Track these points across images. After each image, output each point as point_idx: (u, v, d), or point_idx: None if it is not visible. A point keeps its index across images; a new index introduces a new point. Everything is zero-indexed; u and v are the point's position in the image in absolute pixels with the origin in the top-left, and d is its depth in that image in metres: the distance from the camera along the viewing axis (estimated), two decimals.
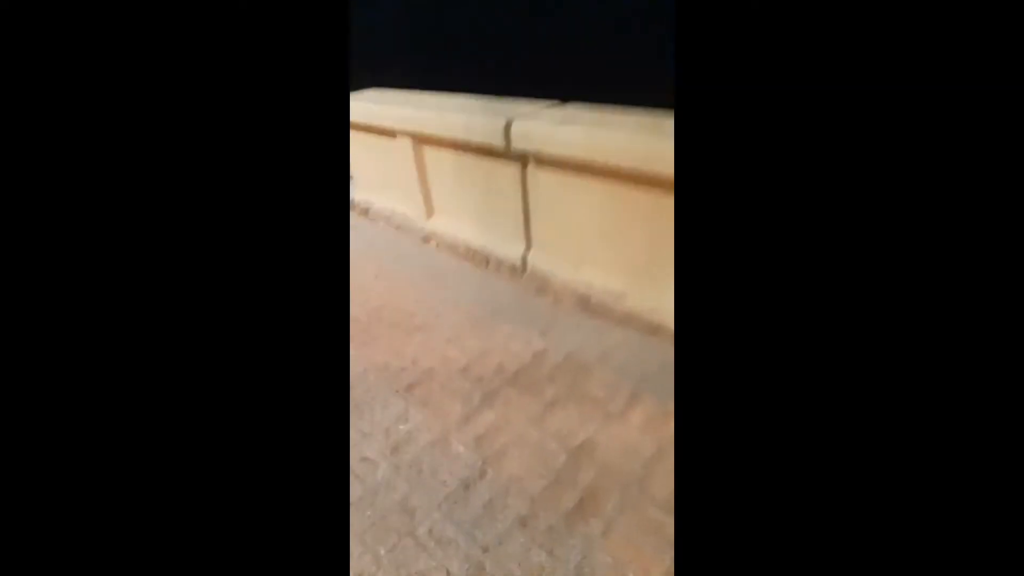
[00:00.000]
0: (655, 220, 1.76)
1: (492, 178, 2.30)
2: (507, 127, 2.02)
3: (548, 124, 1.89)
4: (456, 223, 2.79)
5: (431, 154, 2.59)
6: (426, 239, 2.86)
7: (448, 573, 1.08)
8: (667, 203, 1.68)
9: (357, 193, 3.49)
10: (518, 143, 2.01)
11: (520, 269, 2.44)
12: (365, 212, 3.34)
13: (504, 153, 2.09)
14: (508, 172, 2.18)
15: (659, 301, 1.87)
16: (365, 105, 2.79)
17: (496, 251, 2.58)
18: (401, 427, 1.49)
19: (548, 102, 2.27)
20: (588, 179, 1.88)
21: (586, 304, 2.10)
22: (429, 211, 2.91)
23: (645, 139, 1.64)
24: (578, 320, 2.02)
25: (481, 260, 2.58)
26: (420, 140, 2.56)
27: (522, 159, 2.09)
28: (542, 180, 2.08)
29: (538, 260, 2.37)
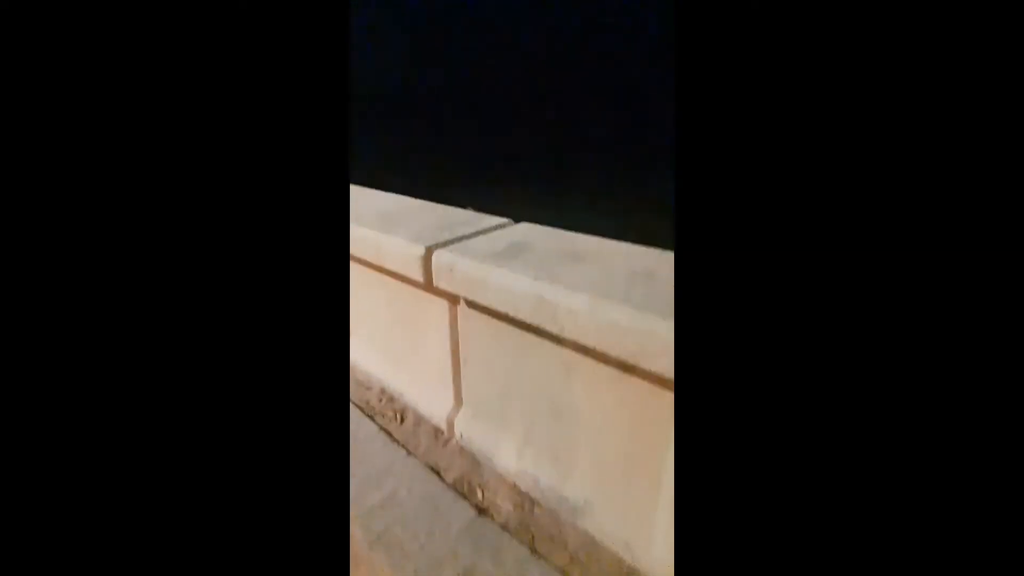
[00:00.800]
0: (637, 408, 1.15)
1: (414, 309, 1.70)
2: (426, 258, 1.46)
3: (481, 261, 1.33)
4: (373, 356, 2.14)
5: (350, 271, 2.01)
6: None
7: None
8: (656, 397, 1.08)
9: None
10: (442, 281, 1.44)
11: (444, 435, 1.77)
12: None
13: (426, 287, 1.50)
14: (434, 308, 1.59)
15: (636, 528, 1.21)
16: None
17: (415, 402, 1.92)
18: None
19: (497, 219, 1.75)
20: (541, 340, 1.28)
21: (527, 518, 1.42)
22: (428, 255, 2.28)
23: (623, 313, 1.04)
24: (516, 558, 1.31)
25: (393, 412, 1.90)
26: None
27: (451, 298, 1.51)
28: (476, 327, 1.50)
29: (468, 428, 1.71)
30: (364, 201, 2.08)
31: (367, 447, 1.68)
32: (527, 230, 1.62)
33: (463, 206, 1.92)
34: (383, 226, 1.69)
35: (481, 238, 1.54)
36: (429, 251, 1.46)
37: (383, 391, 2.00)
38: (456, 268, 1.36)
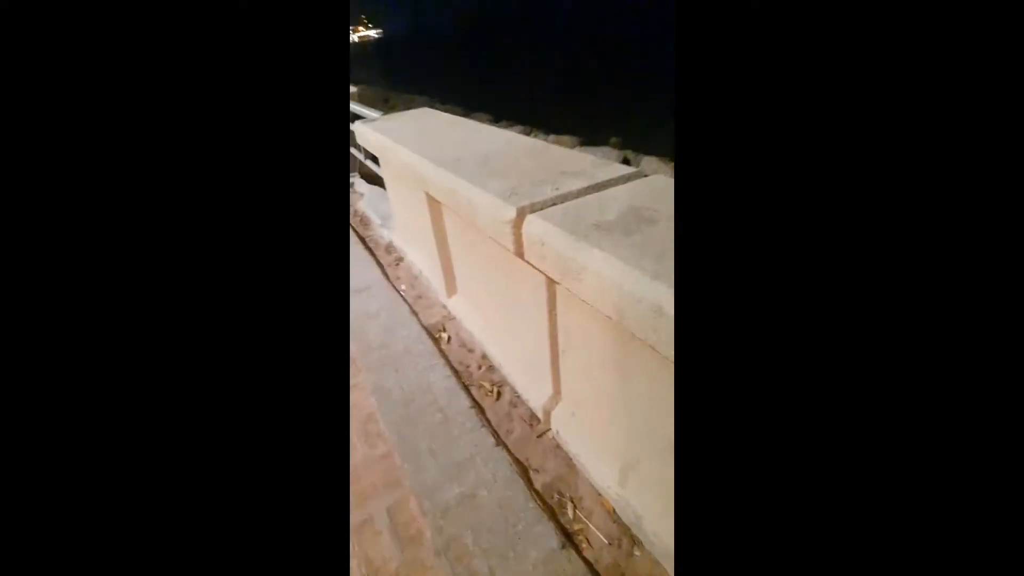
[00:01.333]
0: None
1: (511, 277, 1.41)
2: (516, 224, 1.12)
3: (577, 238, 0.94)
4: (476, 316, 1.94)
5: (449, 216, 1.78)
6: (440, 328, 2.05)
7: None
8: None
9: (392, 236, 2.82)
10: (533, 256, 1.10)
11: (540, 425, 1.52)
12: (398, 262, 2.65)
13: (520, 256, 1.19)
14: (529, 282, 1.28)
15: None
16: (377, 137, 2.05)
17: (513, 379, 1.68)
18: None
19: (621, 168, 1.31)
20: (658, 355, 0.90)
21: (622, 561, 1.12)
22: (451, 287, 2.11)
23: None
24: None
25: (491, 385, 1.70)
26: (432, 200, 1.75)
27: (547, 275, 1.17)
28: (575, 318, 1.15)
29: (566, 427, 1.43)
30: (470, 138, 1.78)
31: (455, 427, 1.51)
32: (659, 186, 1.17)
33: (602, 142, 1.50)
34: (478, 174, 1.38)
35: (592, 197, 1.14)
36: (521, 214, 1.11)
37: (484, 358, 1.81)
38: (548, 243, 1.01)
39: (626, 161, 5.13)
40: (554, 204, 1.13)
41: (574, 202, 1.12)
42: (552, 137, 6.23)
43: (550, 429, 1.49)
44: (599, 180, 1.23)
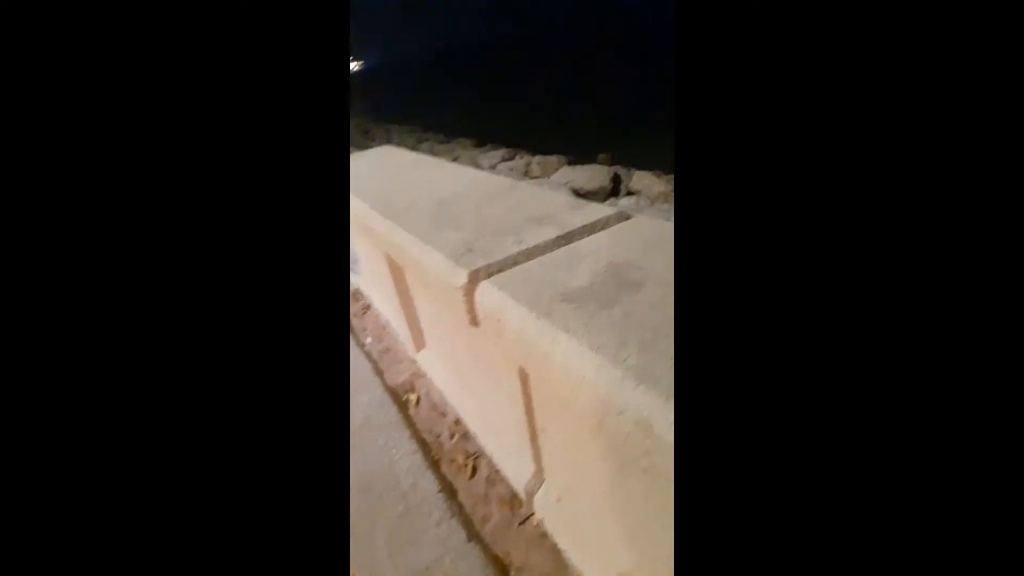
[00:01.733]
0: None
1: (478, 343, 1.20)
2: (468, 290, 0.92)
3: (539, 316, 0.74)
4: (447, 374, 1.73)
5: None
6: (409, 387, 1.83)
7: None
8: None
9: (359, 282, 2.62)
10: (491, 331, 0.90)
11: (522, 509, 1.29)
12: (364, 311, 2.44)
13: (474, 324, 0.98)
14: (496, 351, 1.07)
15: None
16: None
17: (491, 450, 1.46)
18: None
19: (599, 209, 1.13)
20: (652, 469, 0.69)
21: None
22: (418, 341, 1.89)
23: None
24: None
25: (465, 459, 1.48)
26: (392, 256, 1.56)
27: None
28: (549, 403, 0.95)
29: (551, 516, 1.21)
30: (429, 180, 1.59)
31: (419, 518, 1.28)
32: (645, 233, 0.97)
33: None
34: (430, 225, 1.18)
35: (562, 253, 0.95)
36: (473, 280, 0.92)
37: (457, 423, 1.59)
38: (504, 320, 0.81)
39: (616, 178, 4.97)
40: (515, 264, 0.94)
41: (539, 261, 0.93)
42: (538, 158, 6.10)
43: (534, 513, 1.27)
44: (572, 227, 1.03)
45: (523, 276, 0.87)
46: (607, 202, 3.95)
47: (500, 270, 0.93)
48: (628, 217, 1.08)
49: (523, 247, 0.98)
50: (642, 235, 0.97)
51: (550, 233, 1.02)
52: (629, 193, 4.34)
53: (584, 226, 1.03)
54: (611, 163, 5.39)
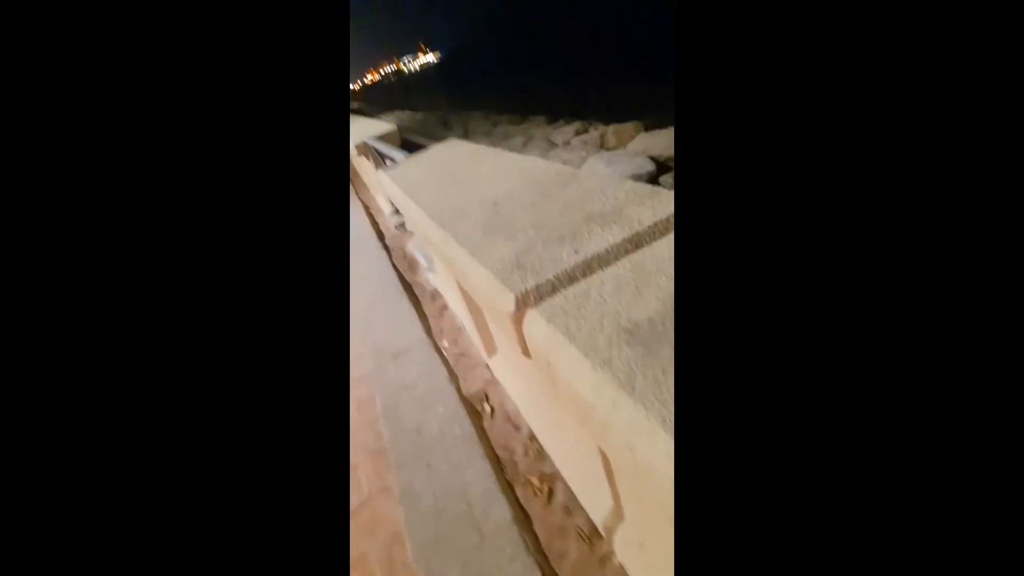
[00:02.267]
0: None
1: (538, 378, 1.05)
2: (517, 319, 0.76)
3: (588, 362, 0.57)
4: (518, 385, 1.60)
5: None
6: (483, 396, 1.73)
7: None
8: None
9: (437, 281, 2.58)
10: (541, 369, 0.74)
11: (602, 545, 1.14)
12: (442, 312, 2.39)
13: (527, 356, 0.83)
14: (556, 395, 0.92)
15: None
16: (393, 188, 1.79)
17: (568, 474, 1.32)
18: None
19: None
20: None
21: None
22: (489, 346, 1.79)
23: None
24: None
25: (539, 480, 1.34)
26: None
27: None
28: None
29: (632, 560, 1.04)
30: (486, 176, 1.45)
31: (492, 552, 1.18)
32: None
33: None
34: (481, 233, 1.04)
35: (627, 264, 0.76)
36: (521, 306, 0.76)
37: (531, 439, 1.47)
38: (555, 363, 0.65)
39: None
40: (571, 281, 0.77)
41: (600, 277, 0.75)
42: (613, 127, 5.71)
43: (615, 553, 1.11)
44: (640, 227, 0.84)
45: (579, 301, 0.70)
46: None
47: (553, 290, 0.77)
48: None
49: (581, 257, 0.80)
50: None
51: (614, 236, 0.83)
52: None
53: (655, 224, 0.83)
54: None
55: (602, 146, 5.10)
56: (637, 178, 3.14)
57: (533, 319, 0.71)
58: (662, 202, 0.90)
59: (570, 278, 0.78)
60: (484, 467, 1.41)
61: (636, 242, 0.81)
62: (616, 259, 0.78)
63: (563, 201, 1.06)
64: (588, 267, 0.79)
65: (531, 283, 0.78)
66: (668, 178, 3.65)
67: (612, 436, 0.52)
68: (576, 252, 0.82)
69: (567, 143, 5.54)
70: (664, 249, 0.75)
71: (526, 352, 0.79)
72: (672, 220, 0.83)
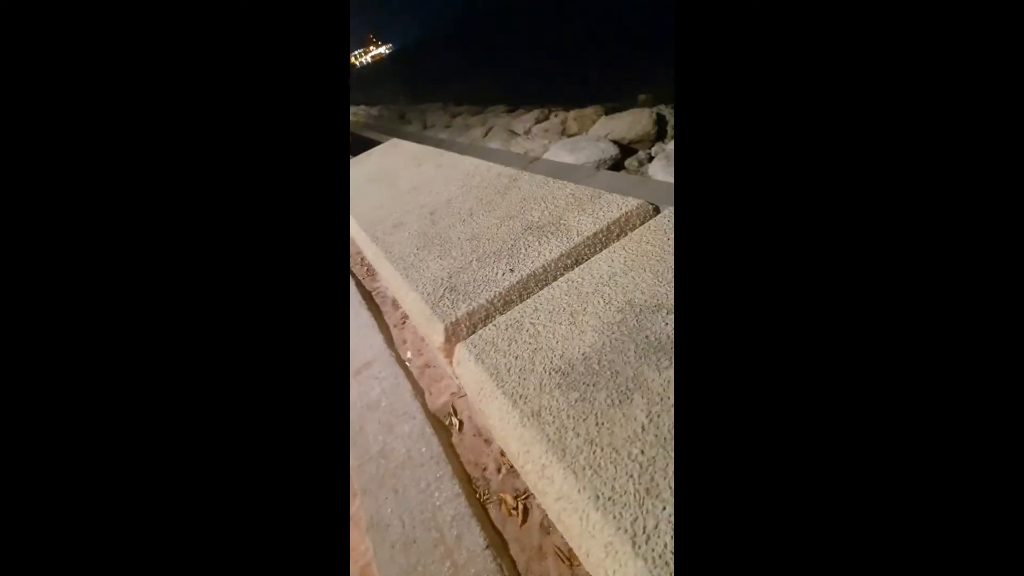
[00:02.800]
0: None
1: None
2: (447, 347, 0.69)
3: (516, 413, 0.50)
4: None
5: None
6: (450, 410, 1.65)
7: None
8: None
9: (397, 291, 2.47)
10: (475, 411, 0.67)
11: (576, 561, 1.09)
12: (404, 320, 2.29)
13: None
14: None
15: None
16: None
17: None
18: None
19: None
20: None
21: None
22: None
23: None
24: None
25: (515, 502, 1.28)
26: None
27: None
28: None
29: None
30: (426, 182, 1.36)
31: None
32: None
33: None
34: (415, 248, 0.96)
35: (564, 285, 0.68)
36: (451, 338, 0.69)
37: (503, 454, 1.41)
38: (486, 410, 0.58)
39: (660, 120, 4.40)
40: (506, 305, 0.69)
41: (534, 303, 0.67)
42: (573, 112, 5.62)
43: None
44: (580, 238, 0.76)
45: (511, 332, 0.63)
46: (654, 148, 3.51)
47: (486, 318, 0.69)
48: (657, 210, 0.78)
49: (516, 277, 0.73)
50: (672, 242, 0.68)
51: (552, 251, 0.76)
52: None
53: (595, 235, 0.76)
54: (652, 104, 4.79)
55: (564, 132, 5.02)
56: (602, 163, 3.09)
57: (463, 357, 0.64)
58: (602, 207, 0.83)
59: (505, 302, 0.70)
60: (454, 489, 1.34)
61: (575, 257, 0.74)
62: (553, 278, 0.71)
63: (502, 210, 0.98)
64: (524, 288, 0.71)
65: (462, 310, 0.70)
66: (632, 161, 3.60)
67: (545, 504, 0.46)
68: (512, 270, 0.75)
69: (528, 131, 5.45)
70: (603, 265, 0.68)
71: (461, 390, 0.72)
72: (611, 229, 0.76)
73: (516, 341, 0.60)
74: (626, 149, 3.91)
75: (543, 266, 0.73)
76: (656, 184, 1.77)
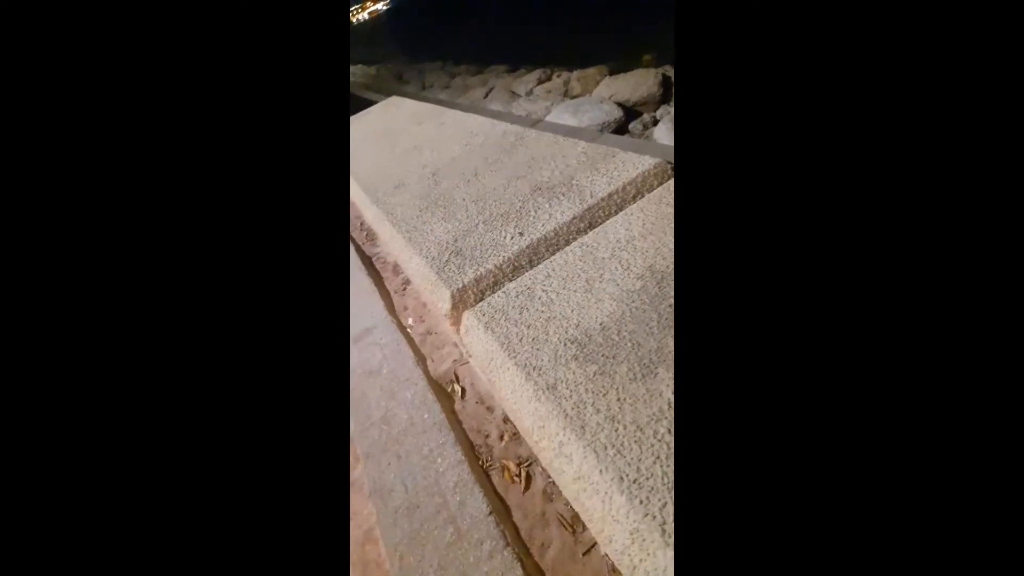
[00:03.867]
0: None
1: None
2: (454, 314, 0.66)
3: (531, 386, 0.47)
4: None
5: None
6: (452, 377, 1.64)
7: None
8: None
9: (398, 255, 2.42)
10: (484, 377, 0.64)
11: (584, 531, 1.09)
12: (405, 286, 2.26)
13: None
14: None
15: None
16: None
17: (547, 456, 1.25)
18: None
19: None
20: None
21: None
22: (456, 321, 1.69)
23: None
24: None
25: (518, 467, 1.28)
26: None
27: None
28: None
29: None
30: (428, 140, 1.29)
31: (471, 547, 1.12)
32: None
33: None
34: (418, 210, 0.91)
35: (579, 248, 0.64)
36: (458, 305, 0.65)
37: (506, 421, 1.40)
38: (496, 381, 0.55)
39: (666, 81, 4.24)
40: (515, 271, 0.65)
41: (546, 268, 0.63)
42: (576, 73, 5.43)
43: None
44: (594, 199, 0.72)
45: (522, 300, 0.59)
46: (659, 111, 3.38)
47: (495, 284, 0.65)
48: (672, 171, 0.73)
49: (526, 241, 0.69)
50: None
51: (564, 213, 0.71)
52: None
53: (610, 195, 0.71)
54: (657, 64, 4.59)
55: (566, 94, 4.84)
56: (605, 126, 3.00)
57: (471, 324, 0.60)
58: (617, 167, 0.77)
59: (514, 267, 0.66)
60: (457, 455, 1.34)
61: (589, 220, 0.69)
62: (566, 242, 0.67)
63: (509, 169, 0.93)
64: (534, 253, 0.67)
65: (469, 276, 0.66)
66: (637, 124, 3.48)
67: (561, 483, 0.43)
68: (521, 234, 0.70)
69: (530, 92, 5.26)
70: (619, 228, 0.64)
71: (468, 355, 0.69)
72: (627, 190, 0.71)
73: (528, 309, 0.56)
74: (629, 111, 3.79)
75: (554, 229, 0.69)
76: (663, 148, 1.70)
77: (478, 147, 1.10)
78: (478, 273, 0.66)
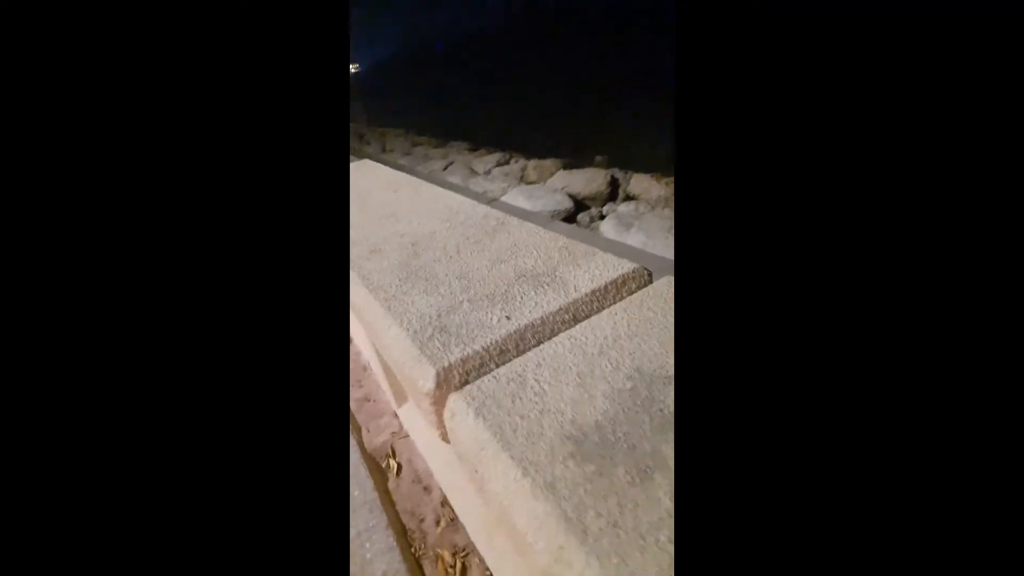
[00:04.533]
0: None
1: (459, 465, 0.93)
2: (437, 401, 0.65)
3: (527, 482, 0.47)
4: (430, 448, 1.46)
5: None
6: (388, 452, 1.55)
7: None
8: None
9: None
10: (468, 468, 0.63)
11: None
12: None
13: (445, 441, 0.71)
14: (483, 502, 0.80)
15: None
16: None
17: (485, 553, 1.19)
18: None
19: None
20: None
21: None
22: (399, 395, 1.62)
23: None
24: None
25: (453, 558, 1.20)
26: None
27: None
28: None
29: None
30: (405, 207, 1.32)
31: None
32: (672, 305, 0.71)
33: None
34: (398, 280, 0.91)
35: (567, 340, 0.67)
36: (442, 386, 0.64)
37: (444, 505, 1.32)
38: (485, 473, 0.53)
39: (614, 182, 4.66)
40: (503, 355, 0.66)
41: (536, 356, 0.65)
42: (533, 161, 5.83)
43: None
44: (578, 294, 0.76)
45: (514, 388, 0.60)
46: (605, 207, 3.71)
47: (482, 366, 0.65)
48: (649, 278, 0.80)
49: (514, 326, 0.71)
50: (670, 310, 0.70)
51: (550, 302, 0.75)
52: (628, 198, 4.07)
53: (593, 292, 0.76)
54: (607, 166, 5.09)
55: (523, 179, 5.16)
56: (556, 214, 3.22)
57: (458, 408, 0.60)
58: (598, 265, 0.83)
59: (500, 351, 0.67)
60: (388, 540, 1.23)
61: (573, 312, 0.73)
62: (553, 332, 0.70)
63: (492, 252, 0.97)
64: (521, 339, 0.69)
65: (456, 355, 0.66)
66: (584, 216, 3.76)
67: None
68: (508, 318, 0.72)
69: (488, 172, 5.54)
70: (605, 326, 0.68)
71: (445, 438, 0.67)
72: (608, 290, 0.76)
73: (520, 398, 0.57)
74: (579, 204, 4.08)
75: (541, 318, 0.71)
76: (639, 253, 1.85)
77: (459, 225, 1.14)
78: (464, 353, 0.66)
